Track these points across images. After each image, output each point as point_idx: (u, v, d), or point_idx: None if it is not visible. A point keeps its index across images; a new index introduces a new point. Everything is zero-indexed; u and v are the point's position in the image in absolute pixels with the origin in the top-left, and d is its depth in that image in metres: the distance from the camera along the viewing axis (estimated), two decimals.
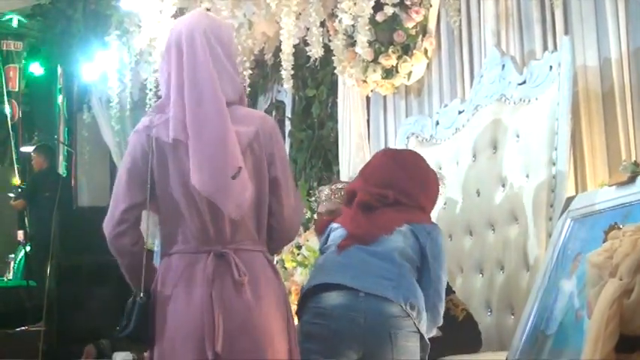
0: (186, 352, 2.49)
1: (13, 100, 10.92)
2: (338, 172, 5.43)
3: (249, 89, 5.47)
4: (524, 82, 3.69)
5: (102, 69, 7.12)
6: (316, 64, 5.11)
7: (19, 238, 9.70)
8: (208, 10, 4.86)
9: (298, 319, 2.96)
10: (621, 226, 2.57)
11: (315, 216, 4.09)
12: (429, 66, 4.78)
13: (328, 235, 3.13)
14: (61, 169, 9.68)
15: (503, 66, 3.84)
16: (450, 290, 3.35)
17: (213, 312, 2.49)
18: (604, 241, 2.54)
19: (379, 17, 4.64)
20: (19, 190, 9.38)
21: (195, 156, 2.51)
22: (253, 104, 6.29)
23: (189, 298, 2.52)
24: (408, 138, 4.38)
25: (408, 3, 4.60)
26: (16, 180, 10.02)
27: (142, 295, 2.56)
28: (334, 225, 3.13)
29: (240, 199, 2.51)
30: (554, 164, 3.44)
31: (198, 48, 2.59)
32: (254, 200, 2.58)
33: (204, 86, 2.56)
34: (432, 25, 4.69)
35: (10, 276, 9.67)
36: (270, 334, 2.54)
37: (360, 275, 2.88)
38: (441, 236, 3.05)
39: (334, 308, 2.86)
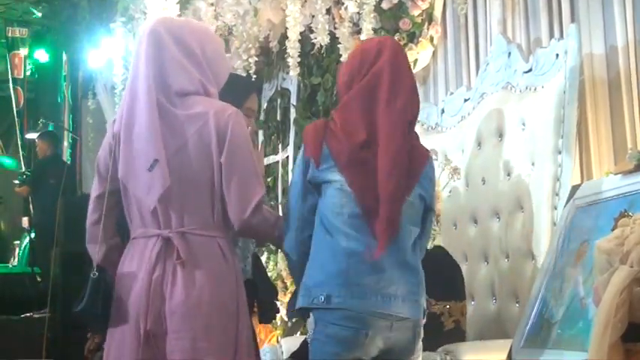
0: (127, 331, 2.64)
1: (18, 87, 10.94)
2: None
3: (254, 77, 5.46)
4: (530, 70, 3.68)
5: (107, 56, 7.13)
6: (322, 51, 5.10)
7: (24, 225, 9.72)
8: None
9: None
10: (631, 214, 2.57)
11: None
12: (434, 54, 4.76)
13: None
14: (66, 156, 9.70)
15: (509, 54, 3.83)
16: (458, 295, 3.34)
17: (149, 293, 2.61)
18: (613, 228, 2.53)
19: (385, 5, 4.63)
20: (24, 176, 9.39)
21: (123, 148, 2.70)
22: (258, 91, 6.28)
23: (135, 280, 2.65)
24: None
25: None
26: (21, 166, 10.03)
27: (95, 271, 2.70)
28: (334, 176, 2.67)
29: (154, 191, 2.63)
30: (559, 152, 3.44)
31: (143, 45, 2.75)
32: (207, 186, 2.66)
33: (140, 81, 2.71)
34: (437, 13, 4.67)
35: (15, 262, 9.70)
36: (204, 320, 2.59)
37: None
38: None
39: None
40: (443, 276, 3.34)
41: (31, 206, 9.40)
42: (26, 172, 9.36)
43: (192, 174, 2.65)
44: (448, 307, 3.28)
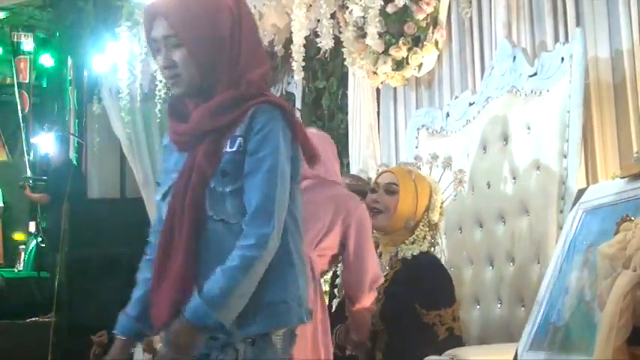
0: None
1: (24, 92, 10.97)
2: (348, 164, 5.43)
3: None
4: (536, 74, 3.68)
5: (112, 60, 7.14)
6: (326, 55, 5.11)
7: (30, 230, 9.73)
8: None
9: None
10: (633, 218, 2.56)
11: None
12: (439, 58, 4.76)
13: None
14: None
15: (514, 58, 3.82)
16: (446, 301, 3.33)
17: None
18: (616, 233, 2.53)
19: (390, 9, 4.63)
20: (30, 181, 9.38)
21: None
22: None
23: None
24: (418, 130, 4.37)
25: None
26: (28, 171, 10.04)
27: None
28: None
29: None
30: (565, 156, 3.44)
31: None
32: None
33: None
34: (442, 17, 4.67)
35: (21, 267, 9.71)
36: None
37: None
38: None
39: None
40: (429, 284, 3.33)
41: (38, 210, 9.43)
42: (39, 178, 9.35)
43: None
44: (439, 315, 3.26)
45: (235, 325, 2.22)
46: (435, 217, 3.49)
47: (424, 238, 3.45)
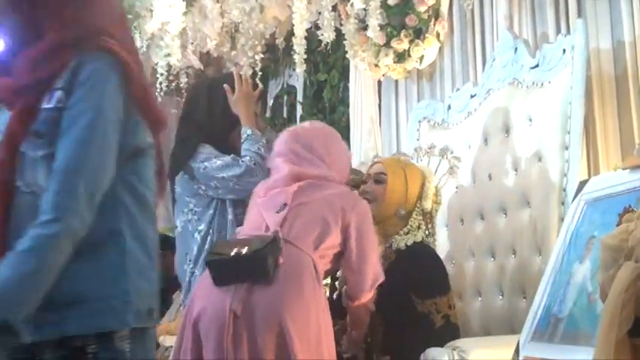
0: None
1: None
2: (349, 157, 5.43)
3: (260, 74, 5.47)
4: (537, 66, 3.67)
5: None
6: (328, 48, 5.11)
7: None
8: None
9: None
10: (635, 209, 2.56)
11: None
12: (441, 50, 4.76)
13: None
14: None
15: (516, 49, 3.82)
16: (441, 289, 3.33)
17: None
18: (618, 224, 2.52)
19: (391, 1, 4.63)
20: None
21: None
22: (264, 89, 6.28)
23: None
24: (419, 122, 4.37)
25: None
26: None
27: None
28: None
29: None
30: (566, 148, 3.43)
31: None
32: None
33: None
34: (444, 9, 4.66)
35: None
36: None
37: None
38: None
39: None
40: (423, 273, 3.32)
41: None
42: None
43: None
44: (435, 303, 3.26)
45: (32, 326, 1.77)
46: (427, 205, 3.46)
47: (418, 227, 3.43)
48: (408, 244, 3.40)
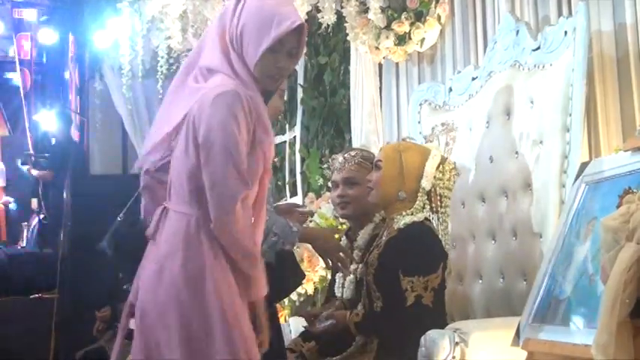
0: None
1: (25, 69, 10.93)
2: (350, 139, 5.43)
3: None
4: (539, 48, 3.67)
5: (114, 36, 7.11)
6: (328, 30, 5.10)
7: (32, 207, 9.73)
8: None
9: None
10: (636, 191, 2.56)
11: (329, 184, 4.08)
12: (442, 32, 4.75)
13: None
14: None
15: (517, 32, 3.81)
16: (421, 270, 3.32)
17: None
18: (618, 206, 2.53)
19: None
20: (32, 158, 9.38)
21: None
22: None
23: None
24: (420, 105, 4.36)
25: None
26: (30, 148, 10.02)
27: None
28: None
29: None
30: (568, 130, 3.43)
31: None
32: (190, 168, 2.54)
33: None
34: None
35: (24, 244, 9.72)
36: (144, 298, 2.56)
37: None
38: None
39: None
40: (411, 252, 3.33)
41: (40, 188, 9.42)
42: (43, 156, 9.35)
43: None
44: (411, 282, 3.28)
45: None
46: (427, 184, 3.43)
47: (423, 207, 3.44)
48: (407, 222, 3.40)
